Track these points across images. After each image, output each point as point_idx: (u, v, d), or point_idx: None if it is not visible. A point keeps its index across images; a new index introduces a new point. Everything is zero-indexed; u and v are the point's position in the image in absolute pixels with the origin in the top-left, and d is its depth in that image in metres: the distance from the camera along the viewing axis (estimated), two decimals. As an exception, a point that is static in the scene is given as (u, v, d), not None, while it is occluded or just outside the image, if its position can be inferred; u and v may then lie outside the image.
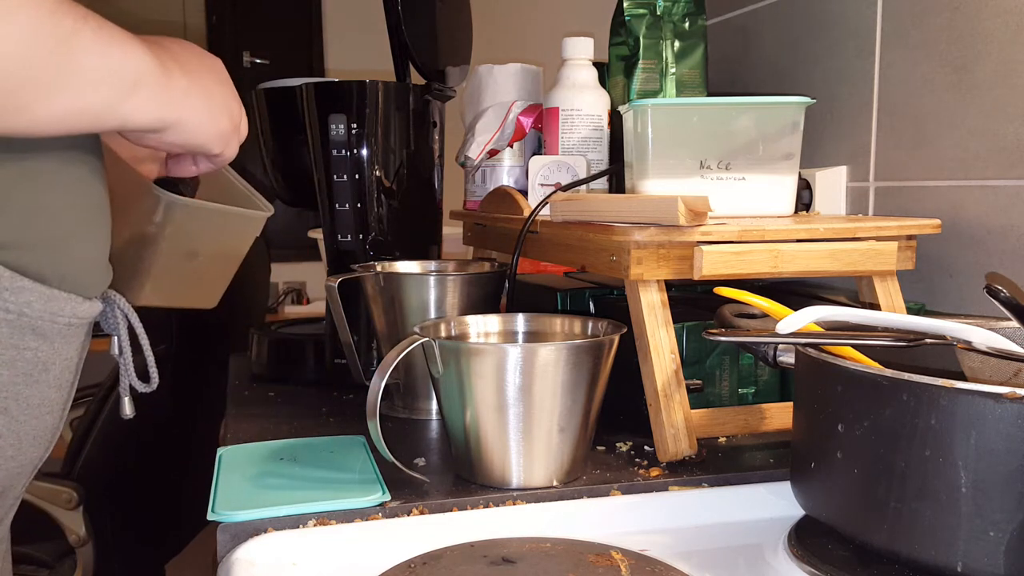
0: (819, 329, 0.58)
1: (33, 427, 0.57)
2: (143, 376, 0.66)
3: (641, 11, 0.96)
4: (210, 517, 0.59)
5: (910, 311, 0.81)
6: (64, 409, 0.62)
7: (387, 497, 0.62)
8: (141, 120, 0.54)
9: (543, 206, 0.85)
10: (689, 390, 0.72)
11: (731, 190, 0.83)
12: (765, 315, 0.63)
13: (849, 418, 0.52)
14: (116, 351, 0.63)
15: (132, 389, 0.66)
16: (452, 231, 1.25)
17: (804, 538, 0.57)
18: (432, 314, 0.84)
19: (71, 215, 0.57)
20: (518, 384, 0.63)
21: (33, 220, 0.54)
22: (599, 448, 0.74)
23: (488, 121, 1.04)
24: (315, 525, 0.59)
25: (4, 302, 0.52)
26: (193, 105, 0.58)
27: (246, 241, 0.79)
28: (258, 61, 3.52)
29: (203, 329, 1.69)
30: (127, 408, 0.66)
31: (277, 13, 3.58)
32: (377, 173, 0.96)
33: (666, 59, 0.96)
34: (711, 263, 0.69)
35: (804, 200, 1.00)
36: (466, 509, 0.62)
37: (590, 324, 0.72)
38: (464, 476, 0.67)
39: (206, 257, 0.76)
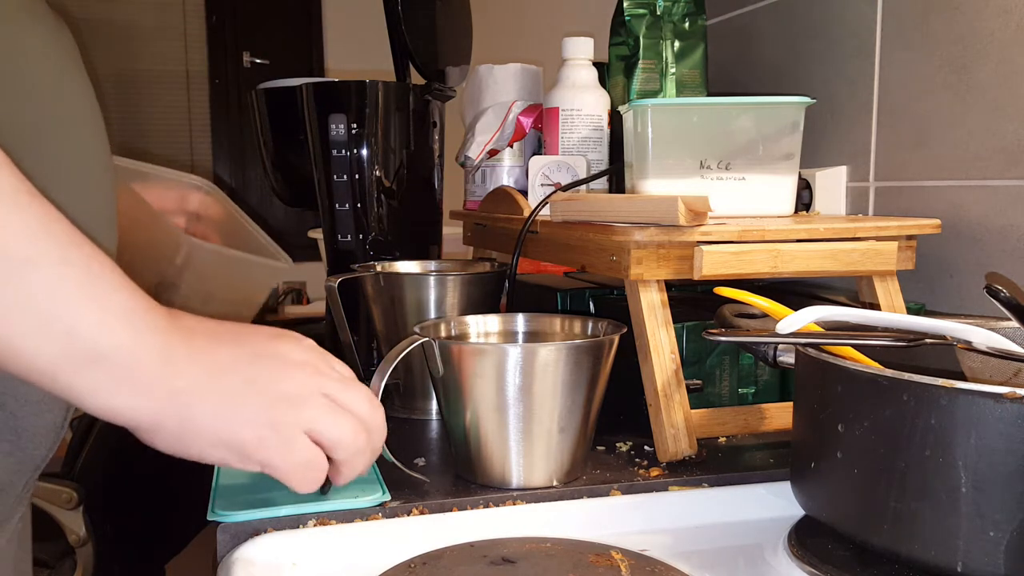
0: (819, 329, 0.58)
1: (32, 424, 0.56)
2: None
3: (641, 11, 0.96)
4: (210, 517, 0.59)
5: (910, 311, 0.81)
6: (67, 407, 0.61)
7: (387, 497, 0.62)
8: (94, 406, 0.43)
9: (543, 206, 0.85)
10: (689, 390, 0.72)
11: (731, 190, 0.83)
12: (765, 315, 0.63)
13: (849, 418, 0.52)
14: None
15: None
16: (452, 231, 1.25)
17: (804, 538, 0.57)
18: (432, 314, 0.84)
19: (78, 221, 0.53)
20: (518, 384, 0.63)
21: None
22: (599, 448, 0.74)
23: (488, 121, 1.04)
24: (315, 525, 0.59)
25: None
26: (194, 414, 0.45)
27: (262, 290, 0.78)
28: (258, 61, 3.52)
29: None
30: None
31: (277, 13, 3.58)
32: (377, 173, 0.96)
33: (666, 59, 0.96)
34: (711, 263, 0.69)
35: (804, 200, 1.00)
36: (466, 509, 0.62)
37: (590, 324, 0.72)
38: (464, 476, 0.67)
39: (221, 302, 0.76)
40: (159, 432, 0.45)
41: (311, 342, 0.52)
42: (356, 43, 3.24)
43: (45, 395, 0.56)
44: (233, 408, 0.45)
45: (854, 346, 0.59)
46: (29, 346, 0.40)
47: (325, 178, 0.97)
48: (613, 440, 0.75)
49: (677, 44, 0.96)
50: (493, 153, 1.05)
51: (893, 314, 0.67)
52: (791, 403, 0.63)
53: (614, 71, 1.00)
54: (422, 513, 0.61)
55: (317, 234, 1.78)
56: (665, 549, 0.57)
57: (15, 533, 0.64)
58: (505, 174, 1.05)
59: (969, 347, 0.57)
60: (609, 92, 0.98)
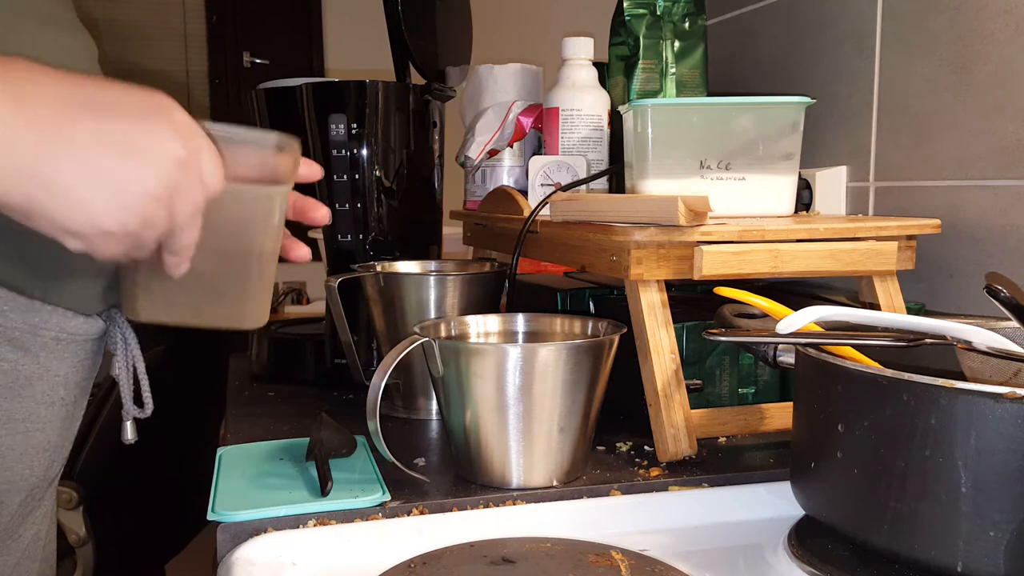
0: (819, 329, 0.58)
1: (19, 443, 0.54)
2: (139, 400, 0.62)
3: (641, 11, 0.96)
4: (210, 517, 0.59)
5: (910, 311, 0.81)
6: (65, 427, 0.59)
7: (387, 497, 0.62)
8: None
9: (543, 206, 0.85)
10: (689, 390, 0.72)
11: (731, 190, 0.83)
12: (765, 315, 0.63)
13: (849, 418, 0.52)
14: (116, 372, 0.58)
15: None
16: (452, 231, 1.25)
17: (804, 538, 0.57)
18: (432, 314, 0.84)
19: None
20: (518, 384, 0.63)
21: (6, 231, 0.47)
22: (599, 448, 0.74)
23: (488, 121, 1.04)
24: (315, 525, 0.59)
25: None
26: (52, 181, 0.42)
27: (250, 227, 0.54)
28: (258, 61, 3.52)
29: (202, 329, 1.69)
30: (129, 433, 0.60)
31: (277, 13, 3.58)
32: (377, 173, 0.96)
33: (666, 59, 0.96)
34: (711, 263, 0.69)
35: (804, 200, 1.00)
36: (466, 509, 0.62)
37: (590, 324, 0.72)
38: (464, 476, 0.67)
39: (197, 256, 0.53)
40: (6, 207, 0.43)
41: (187, 121, 0.46)
42: (356, 43, 3.24)
43: (31, 414, 0.55)
44: (88, 200, 0.43)
45: (854, 346, 0.59)
46: None
47: (325, 178, 0.97)
48: (613, 440, 0.75)
49: (677, 44, 0.96)
50: (493, 153, 1.05)
51: (893, 314, 0.67)
52: (791, 403, 0.63)
53: (614, 71, 1.00)
54: (422, 513, 0.61)
55: (317, 234, 1.78)
56: (665, 549, 0.57)
57: (35, 551, 0.62)
58: (505, 174, 1.05)
59: (969, 347, 0.57)
60: (609, 92, 0.98)
